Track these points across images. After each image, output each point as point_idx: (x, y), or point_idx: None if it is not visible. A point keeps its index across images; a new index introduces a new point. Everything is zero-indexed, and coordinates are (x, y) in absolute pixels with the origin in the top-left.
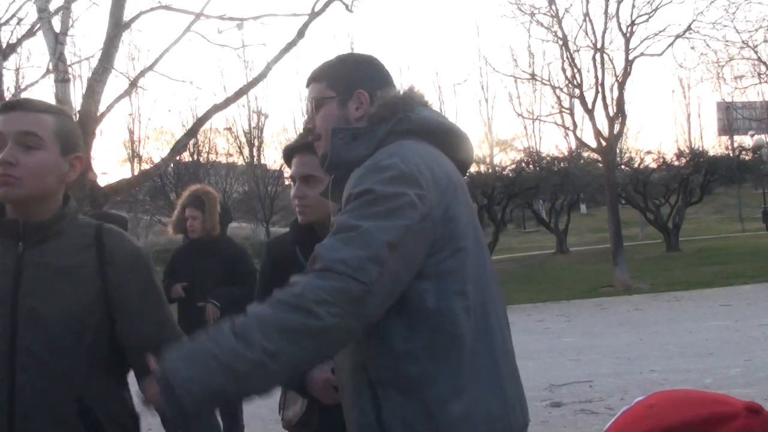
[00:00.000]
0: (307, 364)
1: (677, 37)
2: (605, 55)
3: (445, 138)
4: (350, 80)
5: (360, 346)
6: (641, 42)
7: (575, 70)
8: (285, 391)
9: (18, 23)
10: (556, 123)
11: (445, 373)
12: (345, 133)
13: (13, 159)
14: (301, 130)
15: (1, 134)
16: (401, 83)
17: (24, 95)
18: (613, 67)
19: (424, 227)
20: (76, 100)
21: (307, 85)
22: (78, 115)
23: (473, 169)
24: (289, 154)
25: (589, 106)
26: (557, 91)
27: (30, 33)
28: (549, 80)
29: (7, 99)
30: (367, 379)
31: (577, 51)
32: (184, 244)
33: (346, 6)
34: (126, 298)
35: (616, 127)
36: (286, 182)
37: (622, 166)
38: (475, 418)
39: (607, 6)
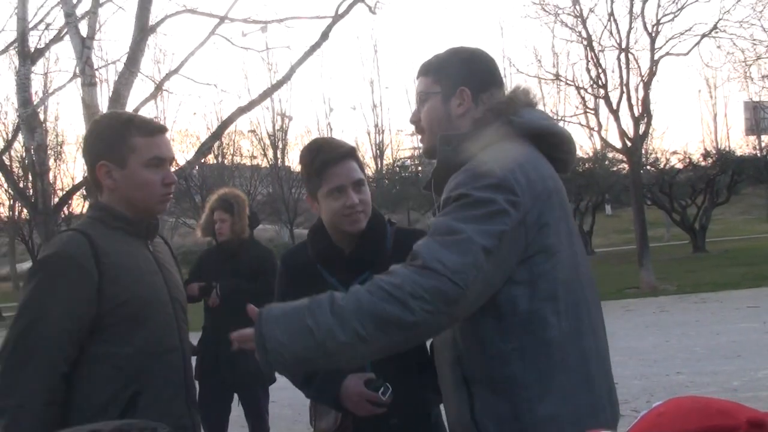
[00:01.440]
0: (391, 352)
1: (703, 36)
2: (630, 55)
3: (546, 140)
4: (455, 76)
5: (456, 342)
6: (667, 41)
7: (600, 71)
8: (314, 403)
9: (46, 28)
10: (580, 124)
11: (535, 375)
12: (452, 139)
13: (172, 179)
14: (409, 123)
15: (164, 159)
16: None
17: (51, 99)
18: (639, 67)
19: (518, 233)
20: (103, 103)
21: (417, 78)
22: None
23: None
24: (328, 163)
25: (614, 106)
26: (582, 91)
27: (57, 38)
28: (573, 81)
29: (35, 102)
30: (462, 375)
31: (602, 51)
32: (211, 247)
33: (370, 8)
34: None
35: (642, 128)
36: None
37: (648, 167)
38: (562, 420)
39: (632, 5)
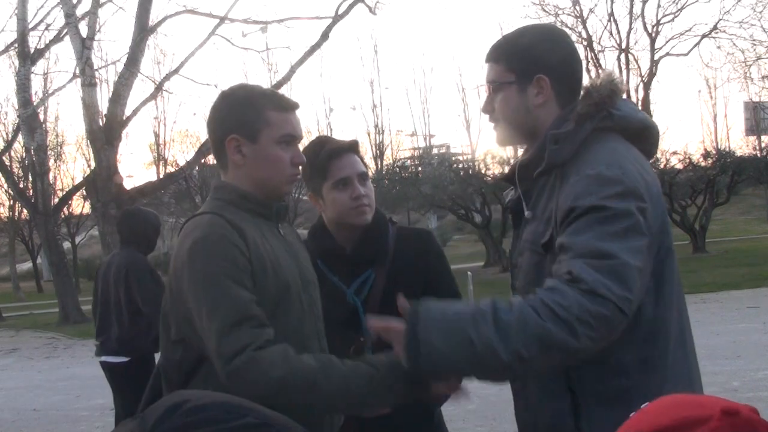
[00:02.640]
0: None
1: (703, 36)
2: (630, 56)
3: (641, 134)
4: (530, 62)
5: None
6: (667, 42)
7: (600, 71)
8: None
9: (46, 29)
10: None
11: (652, 385)
12: (559, 136)
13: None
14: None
15: (295, 137)
16: (420, 84)
17: (51, 99)
18: (639, 68)
19: (653, 241)
20: (103, 104)
21: (486, 62)
22: (104, 118)
23: (497, 170)
24: (331, 157)
25: None
26: None
27: (58, 38)
28: None
29: (35, 103)
30: (566, 386)
31: (602, 51)
32: None
33: (370, 8)
34: None
35: None
36: None
37: None
38: None
39: (632, 6)
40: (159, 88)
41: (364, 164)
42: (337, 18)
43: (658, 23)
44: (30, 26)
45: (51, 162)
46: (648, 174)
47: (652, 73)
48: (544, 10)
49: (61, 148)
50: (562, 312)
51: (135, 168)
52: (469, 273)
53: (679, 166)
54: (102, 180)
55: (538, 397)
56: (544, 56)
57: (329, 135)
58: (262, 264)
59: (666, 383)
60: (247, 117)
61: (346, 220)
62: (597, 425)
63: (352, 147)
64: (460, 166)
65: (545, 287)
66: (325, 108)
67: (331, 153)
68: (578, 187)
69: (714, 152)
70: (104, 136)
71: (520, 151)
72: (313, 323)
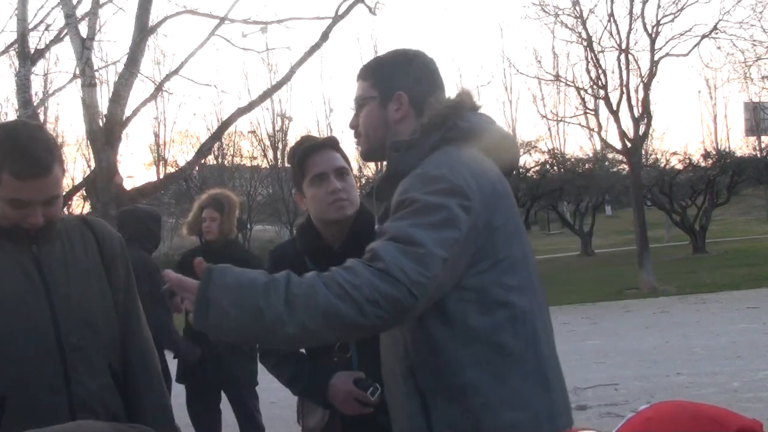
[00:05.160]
0: (326, 343)
1: (703, 37)
2: (630, 56)
3: (492, 143)
4: (392, 80)
5: (408, 352)
6: (666, 42)
7: (600, 71)
8: (302, 401)
9: (46, 29)
10: (580, 124)
11: (493, 382)
12: (401, 145)
13: None
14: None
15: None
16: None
17: (51, 100)
18: (639, 68)
19: (470, 239)
20: (103, 104)
21: (356, 81)
22: (104, 119)
23: None
24: (306, 154)
25: (614, 107)
26: (581, 92)
27: (57, 38)
28: (573, 81)
29: (35, 103)
30: (415, 386)
31: (602, 52)
32: (194, 247)
33: (370, 9)
34: None
35: (642, 128)
36: None
37: (648, 168)
38: (522, 426)
39: (632, 6)
40: (159, 88)
41: (346, 159)
42: (337, 18)
43: (658, 24)
44: (30, 27)
45: None
46: (486, 178)
47: (652, 74)
48: (544, 11)
49: (61, 148)
50: (353, 291)
51: (135, 168)
52: None
53: (679, 166)
54: (102, 180)
55: (398, 400)
56: (405, 74)
57: (330, 135)
58: None
59: (511, 382)
60: None
61: (325, 216)
62: (446, 423)
63: (329, 143)
64: None
65: (343, 266)
66: (325, 108)
67: (306, 150)
68: (406, 183)
69: (714, 153)
70: (104, 136)
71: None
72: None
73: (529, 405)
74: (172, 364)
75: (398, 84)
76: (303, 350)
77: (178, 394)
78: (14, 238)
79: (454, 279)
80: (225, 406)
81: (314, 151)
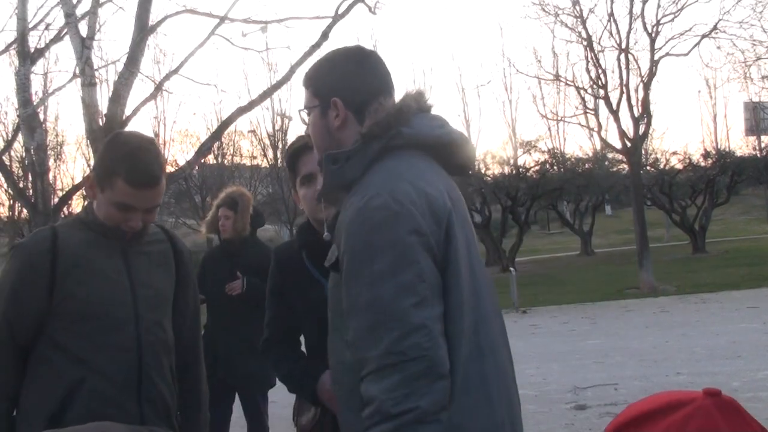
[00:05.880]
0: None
1: (703, 36)
2: (630, 56)
3: (440, 149)
4: (330, 86)
5: (357, 367)
6: (666, 42)
7: (600, 71)
8: (299, 398)
9: (46, 28)
10: (580, 124)
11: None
12: (338, 156)
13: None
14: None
15: None
16: (420, 84)
17: (51, 99)
18: (638, 68)
19: (430, 257)
20: (103, 103)
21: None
22: (104, 118)
23: (497, 170)
24: (296, 154)
25: (614, 106)
26: (581, 92)
27: (57, 38)
28: (573, 81)
29: (35, 103)
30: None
31: (602, 51)
32: (214, 247)
33: (370, 8)
34: None
35: (642, 128)
36: None
37: (648, 167)
38: None
39: (632, 6)
40: (159, 87)
41: None
42: (336, 18)
43: (658, 23)
44: (30, 26)
45: (51, 162)
46: (434, 189)
47: (652, 74)
48: (544, 10)
49: (61, 147)
50: (381, 419)
51: None
52: None
53: (679, 166)
54: None
55: (348, 413)
56: (334, 79)
57: None
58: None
59: (455, 397)
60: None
61: (315, 215)
62: None
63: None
64: None
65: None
66: None
67: (296, 150)
68: (347, 221)
69: (714, 152)
70: (104, 135)
71: None
72: (133, 338)
73: (467, 423)
74: None
75: (334, 89)
76: (303, 349)
77: None
78: (111, 236)
79: (440, 291)
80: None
81: (303, 151)
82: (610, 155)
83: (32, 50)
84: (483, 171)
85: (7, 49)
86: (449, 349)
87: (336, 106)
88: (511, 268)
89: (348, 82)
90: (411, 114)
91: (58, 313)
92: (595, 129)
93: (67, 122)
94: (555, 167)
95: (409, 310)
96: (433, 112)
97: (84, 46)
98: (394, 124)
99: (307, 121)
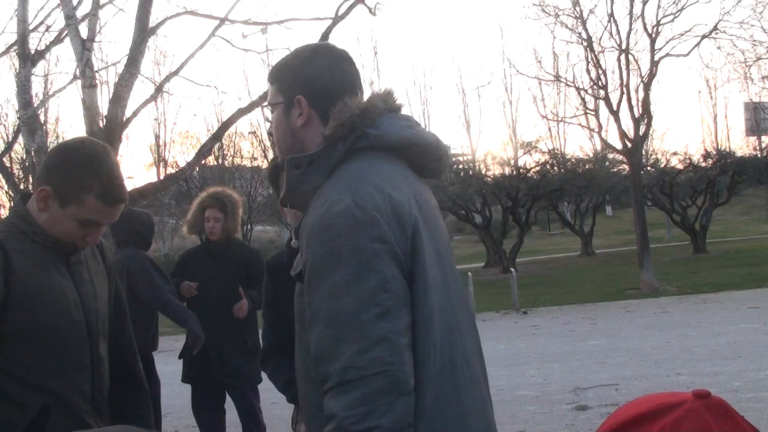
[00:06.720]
0: None
1: (703, 37)
2: (630, 56)
3: (410, 151)
4: (290, 82)
5: (319, 380)
6: (667, 42)
7: (600, 72)
8: (297, 408)
9: (46, 30)
10: (580, 125)
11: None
12: (300, 161)
13: None
14: None
15: None
16: (420, 85)
17: (52, 101)
18: (639, 68)
19: (395, 265)
20: (103, 105)
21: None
22: (105, 120)
23: (498, 171)
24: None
25: (614, 107)
26: (582, 92)
27: (58, 40)
28: (573, 82)
29: (35, 104)
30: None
31: (602, 52)
32: (195, 246)
33: (370, 9)
34: None
35: (642, 129)
36: None
37: (648, 168)
38: None
39: (632, 7)
40: (159, 89)
41: None
42: (337, 19)
43: (658, 24)
44: (30, 28)
45: None
46: (401, 194)
47: (652, 74)
48: (544, 11)
49: None
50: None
51: (135, 169)
52: (469, 274)
53: (680, 166)
54: None
55: (316, 428)
56: (299, 76)
57: None
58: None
59: (427, 412)
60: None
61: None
62: None
63: None
64: (461, 166)
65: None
66: None
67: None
68: (309, 227)
69: (714, 153)
70: (104, 137)
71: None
72: (87, 357)
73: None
74: (177, 365)
75: (299, 86)
76: None
77: (183, 394)
78: (61, 249)
79: (407, 301)
80: (226, 405)
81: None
82: (610, 156)
83: (33, 52)
84: (483, 172)
85: (7, 50)
86: (420, 364)
87: (300, 104)
88: (512, 269)
89: (313, 80)
90: (377, 114)
91: (7, 336)
92: (596, 129)
93: (67, 124)
94: (555, 168)
95: (371, 322)
96: (404, 111)
97: (84, 48)
98: (359, 125)
99: (270, 118)
